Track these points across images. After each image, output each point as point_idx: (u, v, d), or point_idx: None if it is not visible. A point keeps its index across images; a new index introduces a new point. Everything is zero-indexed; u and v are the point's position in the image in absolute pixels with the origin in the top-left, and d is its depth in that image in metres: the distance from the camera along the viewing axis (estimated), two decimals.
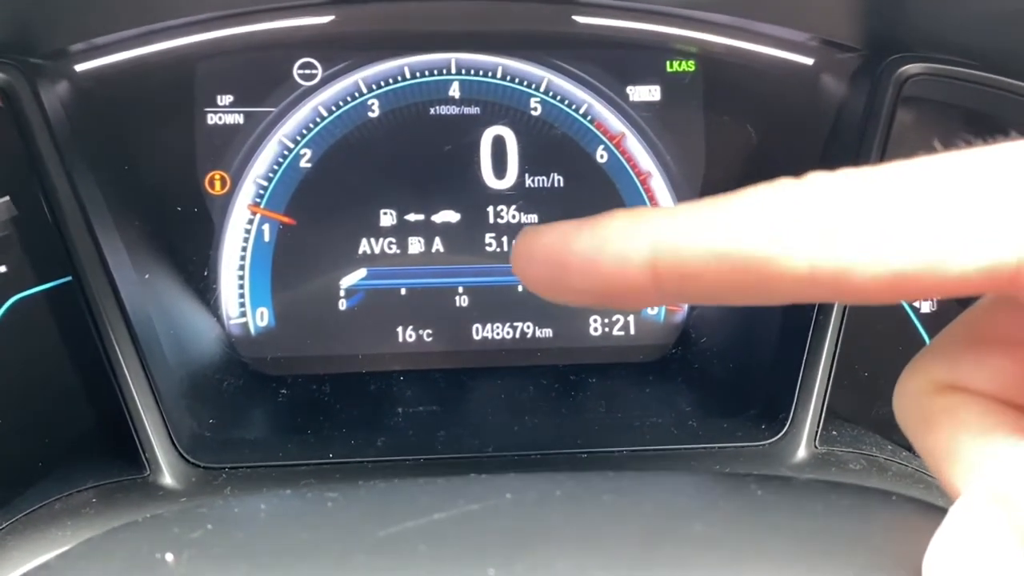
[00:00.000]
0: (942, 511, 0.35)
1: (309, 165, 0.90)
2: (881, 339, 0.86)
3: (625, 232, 0.34)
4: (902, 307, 0.88)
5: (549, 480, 0.46)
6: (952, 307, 0.90)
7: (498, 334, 0.91)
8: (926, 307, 0.89)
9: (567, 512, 0.42)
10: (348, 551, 0.38)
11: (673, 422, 0.74)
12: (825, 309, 0.76)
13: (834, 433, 0.72)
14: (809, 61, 0.88)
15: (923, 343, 0.88)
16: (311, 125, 0.90)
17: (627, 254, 0.34)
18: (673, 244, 0.33)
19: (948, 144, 0.83)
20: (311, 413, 0.79)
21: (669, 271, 0.33)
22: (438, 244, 0.91)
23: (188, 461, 0.65)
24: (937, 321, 0.89)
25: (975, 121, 0.84)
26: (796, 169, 0.83)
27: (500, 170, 0.91)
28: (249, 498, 0.45)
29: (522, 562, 0.38)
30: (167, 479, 0.64)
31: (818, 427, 0.71)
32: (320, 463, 0.65)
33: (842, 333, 0.76)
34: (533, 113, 0.91)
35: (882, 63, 0.81)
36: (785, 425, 0.70)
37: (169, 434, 0.65)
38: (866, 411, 0.81)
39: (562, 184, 0.92)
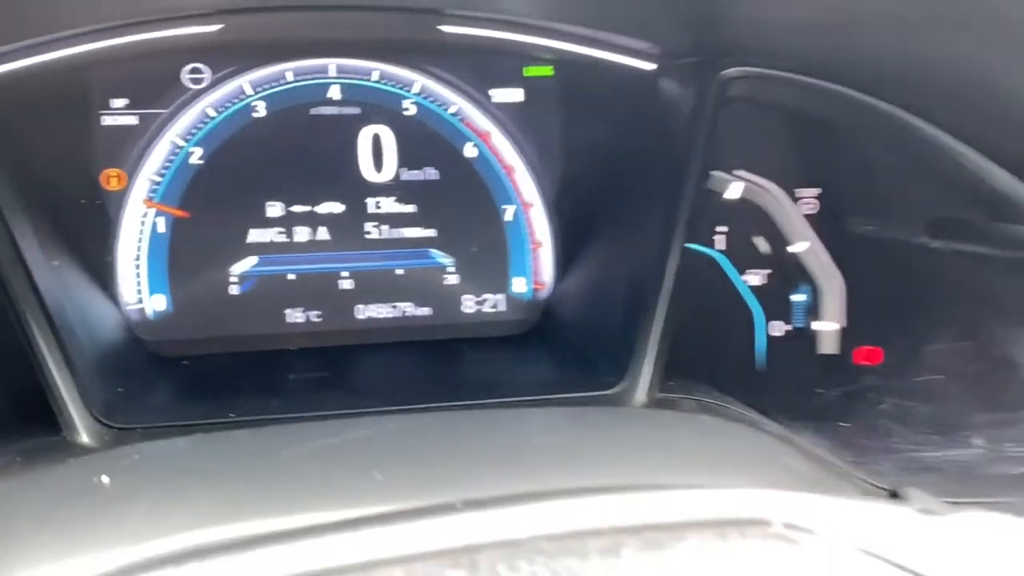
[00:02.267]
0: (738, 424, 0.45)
1: (200, 162, 0.97)
2: (713, 308, 0.98)
3: None
4: (732, 278, 1.00)
5: (428, 416, 0.56)
6: (778, 281, 1.03)
7: (380, 313, 1.01)
8: (753, 280, 1.02)
9: (445, 431, 0.51)
10: (260, 465, 0.47)
11: (536, 381, 0.85)
12: (656, 284, 0.86)
13: (671, 383, 0.84)
14: (651, 67, 0.97)
15: (749, 312, 1.01)
16: (200, 125, 0.97)
17: None
18: None
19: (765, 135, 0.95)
20: (210, 384, 0.87)
21: None
22: (323, 232, 0.99)
23: (101, 422, 0.72)
24: (764, 293, 1.02)
25: (787, 115, 0.96)
26: (639, 164, 0.95)
27: (378, 165, 1.00)
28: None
29: (403, 468, 0.47)
30: (84, 438, 0.71)
31: (656, 376, 0.82)
32: (223, 421, 0.73)
33: (677, 300, 0.87)
34: (407, 113, 1.01)
35: (709, 68, 0.92)
36: (625, 376, 0.81)
37: (84, 400, 0.72)
38: (703, 361, 0.92)
39: (435, 177, 1.01)
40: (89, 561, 0.43)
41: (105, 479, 0.48)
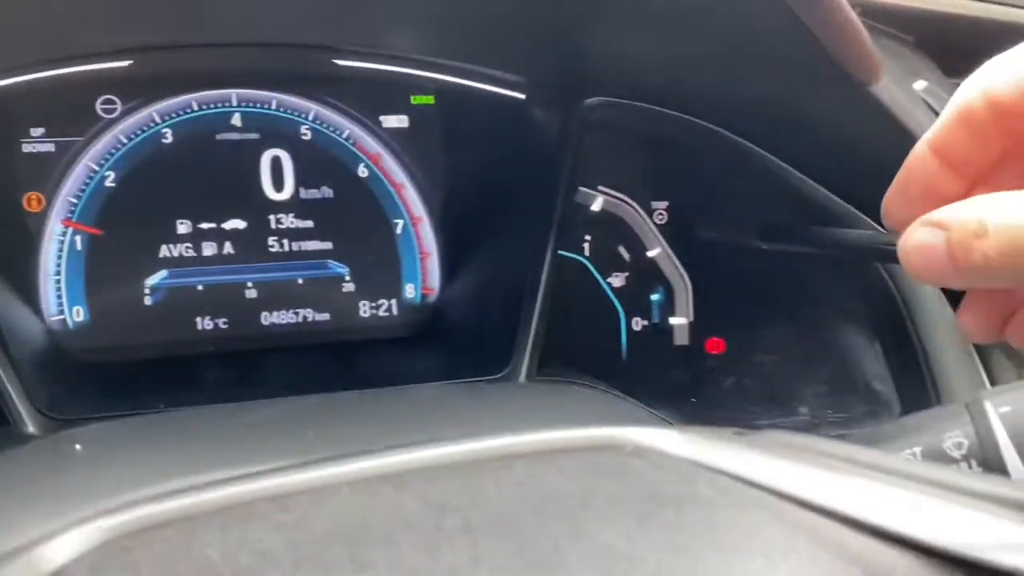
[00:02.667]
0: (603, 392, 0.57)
1: (113, 184, 1.05)
2: (582, 307, 1.12)
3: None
4: (598, 280, 1.14)
5: (341, 394, 0.67)
6: (637, 283, 1.17)
7: (283, 319, 1.11)
8: (617, 282, 1.16)
9: (359, 402, 0.63)
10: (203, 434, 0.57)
11: (429, 372, 0.96)
12: (534, 286, 0.99)
13: (547, 370, 0.97)
14: (522, 96, 1.09)
15: (614, 306, 1.15)
16: (113, 151, 1.06)
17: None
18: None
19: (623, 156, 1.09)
20: (137, 382, 0.96)
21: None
22: (228, 247, 1.09)
23: (44, 414, 0.81)
24: (625, 293, 1.16)
25: (642, 138, 1.11)
26: (514, 181, 1.07)
27: (279, 184, 1.10)
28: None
29: (331, 428, 0.58)
30: (30, 429, 0.80)
31: (534, 364, 0.95)
32: (154, 411, 0.82)
33: (550, 300, 1.00)
34: (304, 138, 1.11)
35: (573, 97, 1.06)
36: (507, 365, 0.94)
37: (28, 396, 0.81)
38: (576, 354, 1.05)
39: (331, 195, 1.12)
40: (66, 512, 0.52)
41: (78, 446, 0.57)
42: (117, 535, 0.43)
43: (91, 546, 0.43)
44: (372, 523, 0.42)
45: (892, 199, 0.56)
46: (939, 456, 0.64)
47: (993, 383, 0.86)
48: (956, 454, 0.64)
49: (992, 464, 0.63)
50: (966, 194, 0.52)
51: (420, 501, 0.44)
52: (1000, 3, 0.90)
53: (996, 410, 0.64)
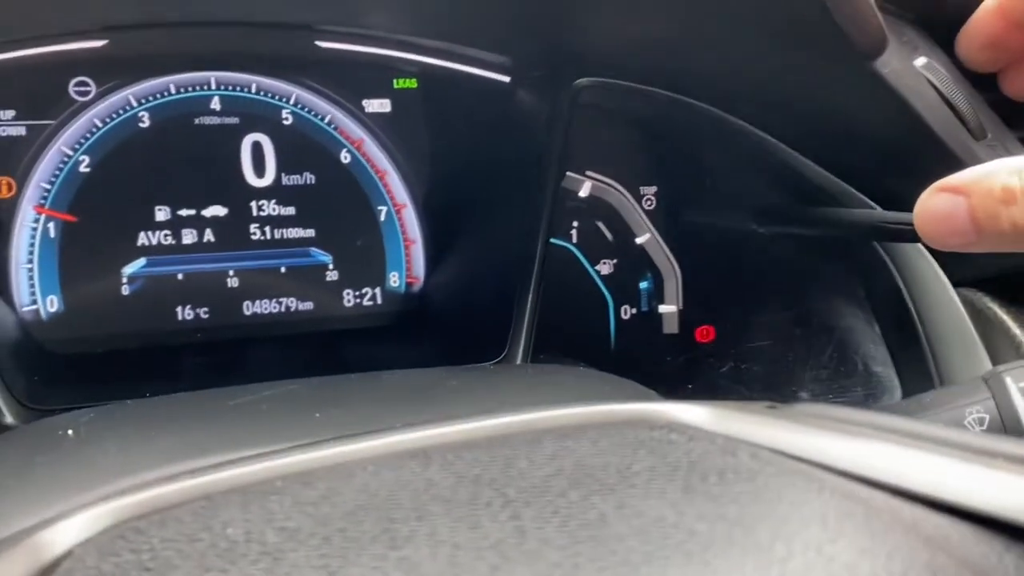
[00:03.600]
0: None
1: (88, 170, 1.02)
2: (571, 294, 1.10)
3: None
4: (586, 267, 1.12)
5: (350, 377, 0.65)
6: (625, 270, 1.15)
7: (265, 309, 1.07)
8: (605, 270, 1.14)
9: (363, 383, 0.60)
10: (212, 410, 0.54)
11: (416, 363, 0.94)
12: (527, 273, 0.97)
13: (542, 357, 0.95)
14: (507, 79, 1.07)
15: (602, 293, 1.13)
16: (88, 135, 1.02)
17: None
18: None
19: (611, 139, 1.07)
20: (117, 372, 0.92)
21: None
22: (209, 235, 1.05)
23: (24, 405, 0.77)
24: (614, 281, 1.14)
25: (630, 120, 1.09)
26: (500, 167, 1.05)
27: (260, 170, 1.07)
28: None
29: (338, 408, 0.55)
30: (9, 419, 0.76)
31: (529, 352, 0.93)
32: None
33: (543, 287, 0.98)
34: (285, 122, 1.08)
35: (561, 79, 1.04)
36: (503, 351, 0.91)
37: (6, 387, 0.77)
38: (564, 342, 1.03)
39: (313, 181, 1.09)
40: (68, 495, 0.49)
41: (71, 431, 0.54)
42: (129, 516, 0.40)
43: (99, 528, 0.40)
44: (403, 498, 0.40)
45: (962, 43, 0.69)
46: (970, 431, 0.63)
47: (995, 363, 0.85)
48: (978, 429, 0.62)
49: (1014, 436, 0.62)
50: None
51: (450, 474, 0.42)
52: None
53: (1016, 384, 0.63)
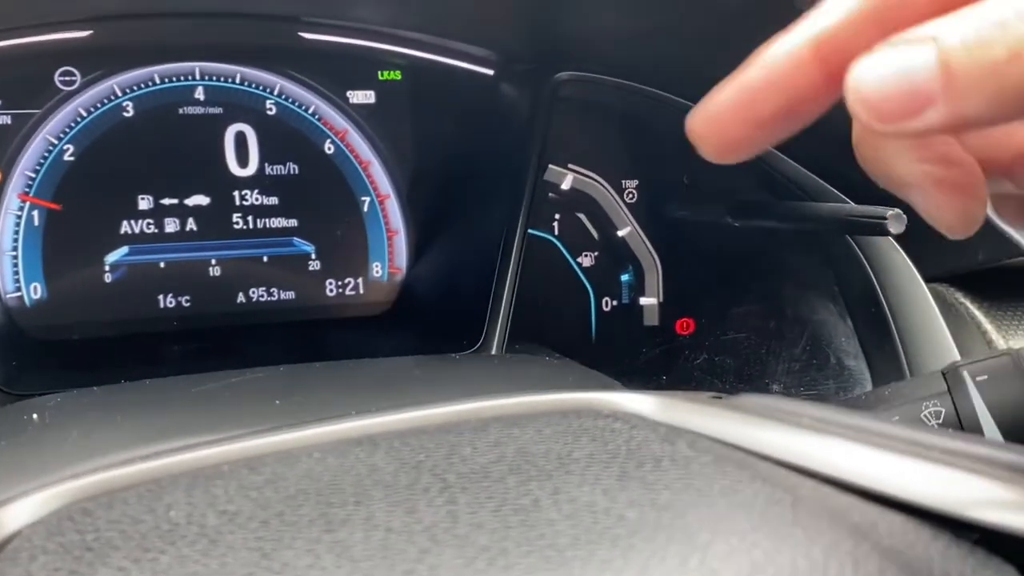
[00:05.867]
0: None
1: (73, 158, 1.03)
2: (552, 286, 1.11)
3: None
4: (568, 259, 1.13)
5: (317, 366, 0.66)
6: (604, 263, 1.16)
7: (248, 298, 1.08)
8: (586, 262, 1.15)
9: (329, 372, 0.61)
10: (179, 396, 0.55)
11: (400, 349, 0.95)
12: (504, 264, 0.98)
13: (518, 347, 0.96)
14: (490, 72, 1.08)
15: (585, 286, 1.14)
16: (72, 124, 1.03)
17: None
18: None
19: (593, 132, 1.08)
20: (98, 357, 0.93)
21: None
22: (191, 224, 1.06)
23: (2, 390, 0.78)
24: (595, 273, 1.15)
25: (611, 114, 1.10)
26: (483, 159, 1.06)
27: (243, 160, 1.08)
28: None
29: (299, 395, 0.56)
30: None
31: (504, 341, 0.94)
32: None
33: (520, 279, 0.99)
34: (269, 113, 1.09)
35: (544, 73, 1.05)
36: (479, 340, 0.93)
37: None
38: (545, 333, 1.04)
39: (297, 171, 1.10)
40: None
41: (35, 416, 0.55)
42: (77, 499, 0.41)
43: (49, 510, 0.41)
44: (344, 483, 0.41)
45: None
46: (916, 425, 0.63)
47: (964, 356, 0.86)
48: (933, 423, 0.63)
49: (969, 431, 0.63)
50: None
51: (394, 461, 0.43)
52: None
53: (973, 379, 0.64)
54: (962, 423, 0.64)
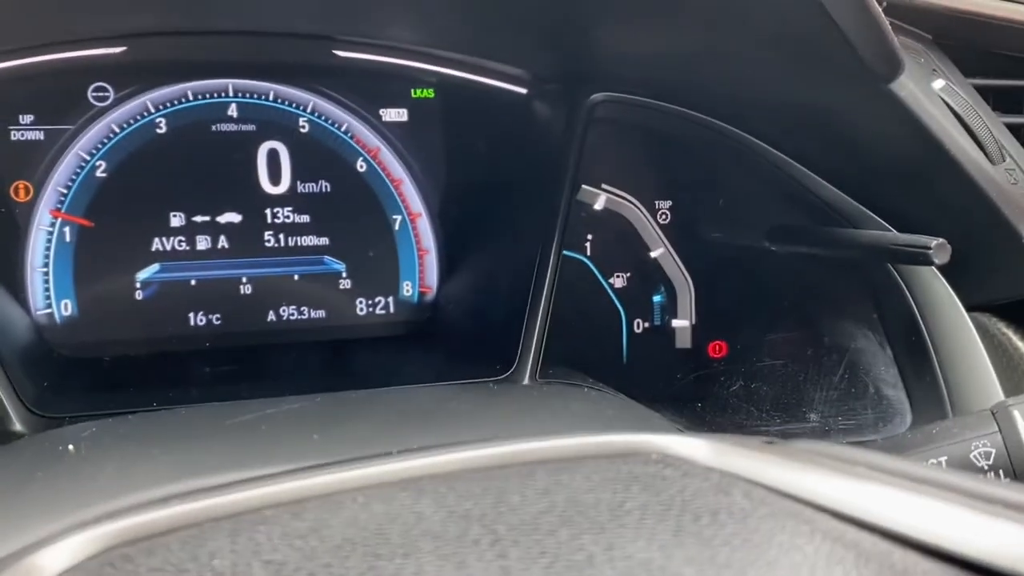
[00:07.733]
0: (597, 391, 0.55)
1: (105, 175, 1.02)
2: (584, 308, 1.10)
3: None
4: (600, 280, 1.12)
5: (343, 394, 0.65)
6: (639, 284, 1.15)
7: (278, 316, 1.08)
8: (618, 283, 1.13)
9: (364, 404, 0.60)
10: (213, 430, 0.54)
11: (429, 372, 0.94)
12: (539, 286, 0.97)
13: (551, 371, 0.94)
14: (524, 91, 1.07)
15: (616, 308, 1.13)
16: (105, 140, 1.03)
17: None
18: None
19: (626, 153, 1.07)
20: (128, 378, 0.92)
21: None
22: (223, 241, 1.06)
23: (33, 412, 0.78)
24: (627, 294, 1.14)
25: (646, 135, 1.09)
26: (516, 178, 1.05)
27: (275, 178, 1.07)
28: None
29: (336, 431, 0.55)
30: (17, 427, 0.77)
31: (538, 365, 0.92)
32: (146, 410, 0.79)
33: (553, 301, 0.97)
34: (302, 130, 1.08)
35: (578, 93, 1.03)
36: (513, 365, 0.91)
37: (16, 393, 0.78)
38: (576, 355, 1.03)
39: (329, 189, 1.09)
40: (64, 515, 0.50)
41: (71, 447, 0.55)
42: (118, 542, 0.40)
43: (89, 553, 0.40)
44: (391, 532, 0.40)
45: None
46: (965, 465, 0.62)
47: (1007, 392, 0.84)
48: (983, 464, 0.62)
49: (1021, 473, 0.61)
50: None
51: (440, 508, 0.42)
52: (1019, 1, 0.88)
53: None
54: (1013, 462, 0.62)
